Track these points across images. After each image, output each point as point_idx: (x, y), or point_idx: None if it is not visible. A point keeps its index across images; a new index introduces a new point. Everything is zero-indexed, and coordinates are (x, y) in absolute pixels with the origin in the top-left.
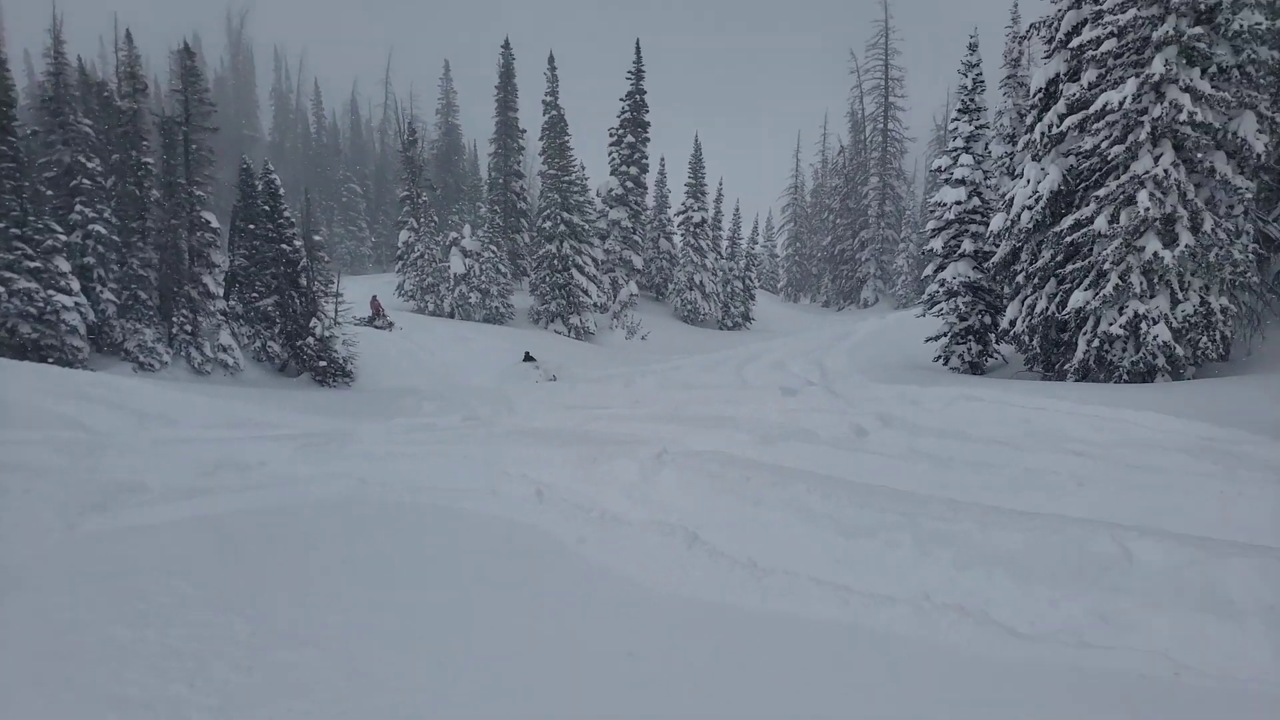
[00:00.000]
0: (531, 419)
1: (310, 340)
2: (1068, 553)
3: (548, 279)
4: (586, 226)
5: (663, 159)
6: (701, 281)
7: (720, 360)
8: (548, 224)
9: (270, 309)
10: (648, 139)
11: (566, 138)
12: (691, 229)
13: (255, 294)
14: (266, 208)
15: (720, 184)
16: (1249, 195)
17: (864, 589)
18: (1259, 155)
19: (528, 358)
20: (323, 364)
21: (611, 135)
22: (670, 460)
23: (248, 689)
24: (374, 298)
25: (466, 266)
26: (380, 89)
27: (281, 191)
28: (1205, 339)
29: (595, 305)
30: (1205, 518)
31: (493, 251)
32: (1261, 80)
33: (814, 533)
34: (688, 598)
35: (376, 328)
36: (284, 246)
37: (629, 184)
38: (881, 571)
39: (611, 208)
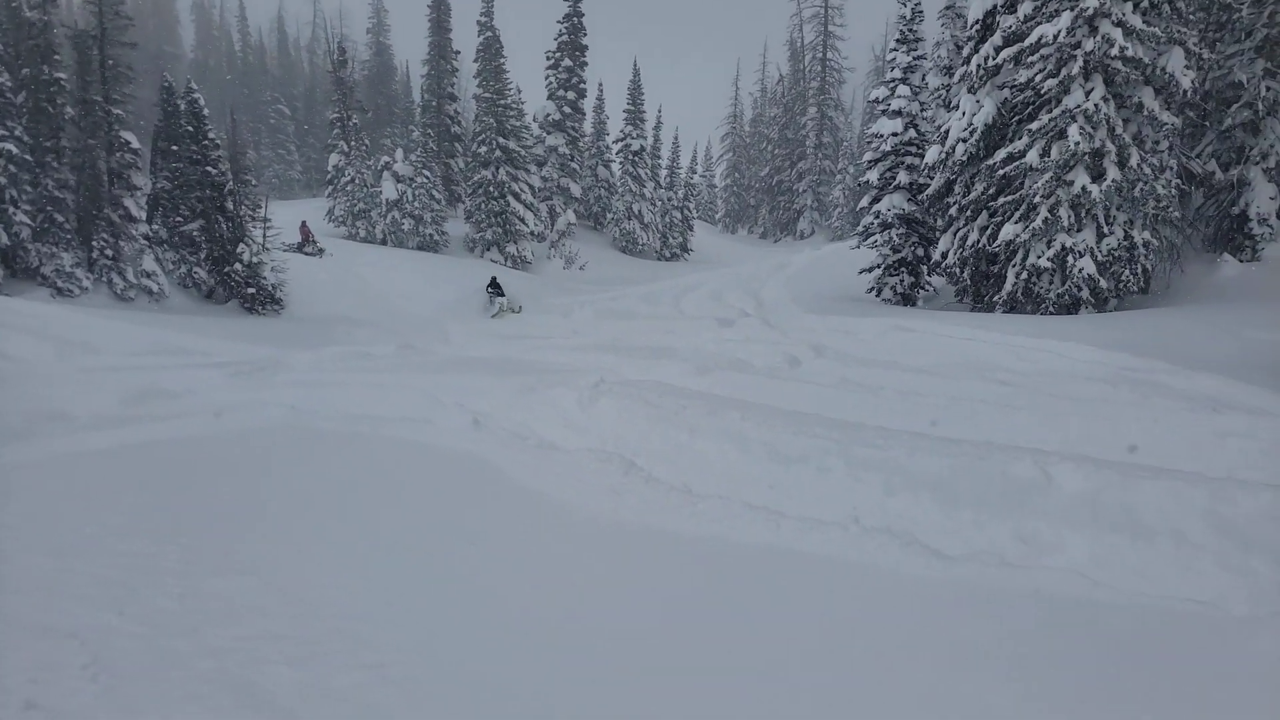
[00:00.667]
0: (468, 348)
1: (238, 267)
2: (991, 477)
3: (483, 206)
4: (523, 153)
5: (600, 85)
6: (640, 211)
7: (659, 291)
8: (483, 149)
9: (196, 234)
10: (586, 63)
11: (502, 60)
12: (630, 157)
13: (180, 218)
14: (190, 129)
15: (659, 112)
16: (1174, 131)
17: (796, 513)
18: (1185, 91)
19: (493, 286)
20: (251, 291)
21: (549, 59)
22: (608, 390)
23: (179, 616)
24: (303, 223)
25: (399, 192)
26: (308, 6)
27: (206, 112)
28: (1128, 272)
29: (532, 234)
30: (1123, 444)
31: (426, 177)
32: (1191, 15)
33: (748, 460)
34: (623, 522)
35: (306, 254)
36: (209, 169)
37: (566, 109)
38: (814, 496)
39: (549, 134)
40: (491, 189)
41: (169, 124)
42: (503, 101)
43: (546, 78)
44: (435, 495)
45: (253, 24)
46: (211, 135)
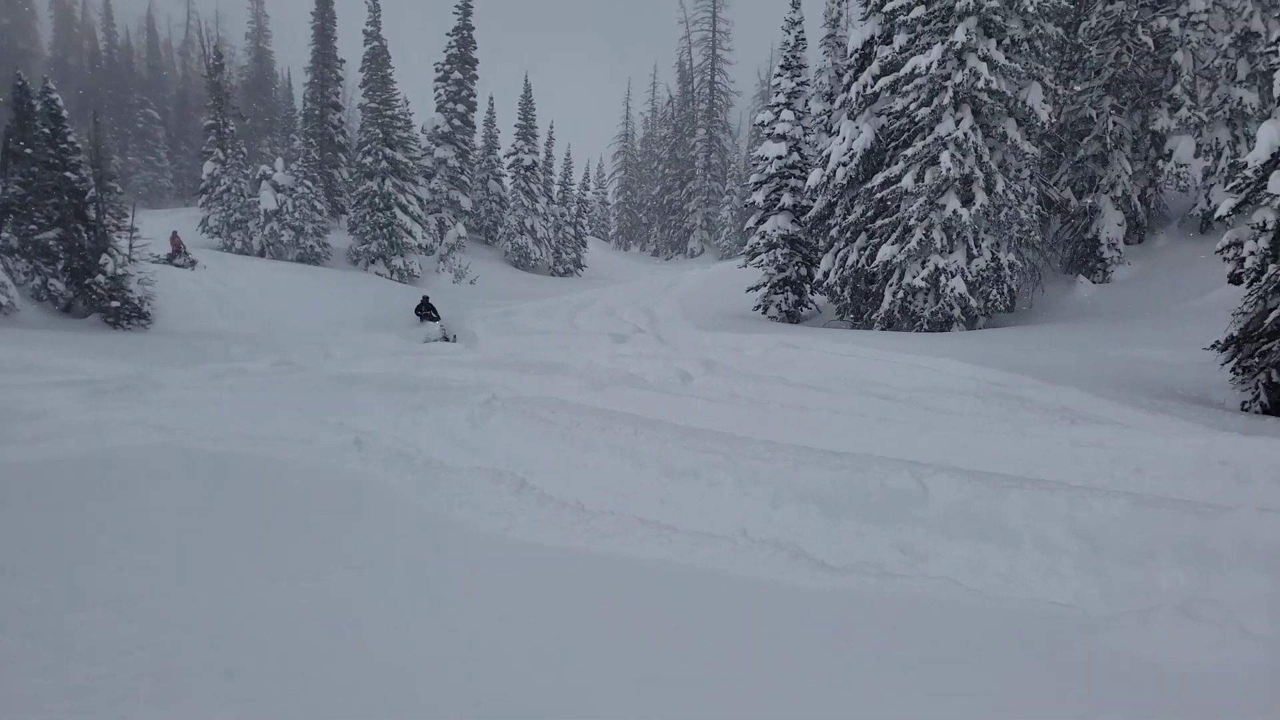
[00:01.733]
0: (352, 364)
1: (100, 279)
2: (872, 489)
3: (368, 218)
4: (411, 164)
5: (491, 99)
6: (533, 226)
7: (553, 306)
8: (368, 159)
9: (52, 243)
10: (476, 76)
11: (389, 70)
12: (522, 172)
13: (34, 226)
14: (47, 130)
15: (551, 128)
16: (1035, 160)
17: (687, 527)
18: (1044, 124)
19: (425, 307)
20: (115, 304)
21: (438, 70)
22: (500, 406)
23: (32, 655)
24: (174, 233)
25: (279, 202)
26: (181, 6)
27: (65, 114)
28: (995, 292)
29: (420, 247)
30: (992, 455)
31: (308, 187)
32: (1047, 54)
33: (641, 475)
34: (515, 540)
35: (177, 266)
36: (68, 174)
37: (456, 122)
38: (704, 510)
39: (438, 145)
40: (377, 200)
41: (22, 125)
42: (390, 112)
43: (435, 90)
44: (315, 518)
45: (119, 22)
46: (71, 138)
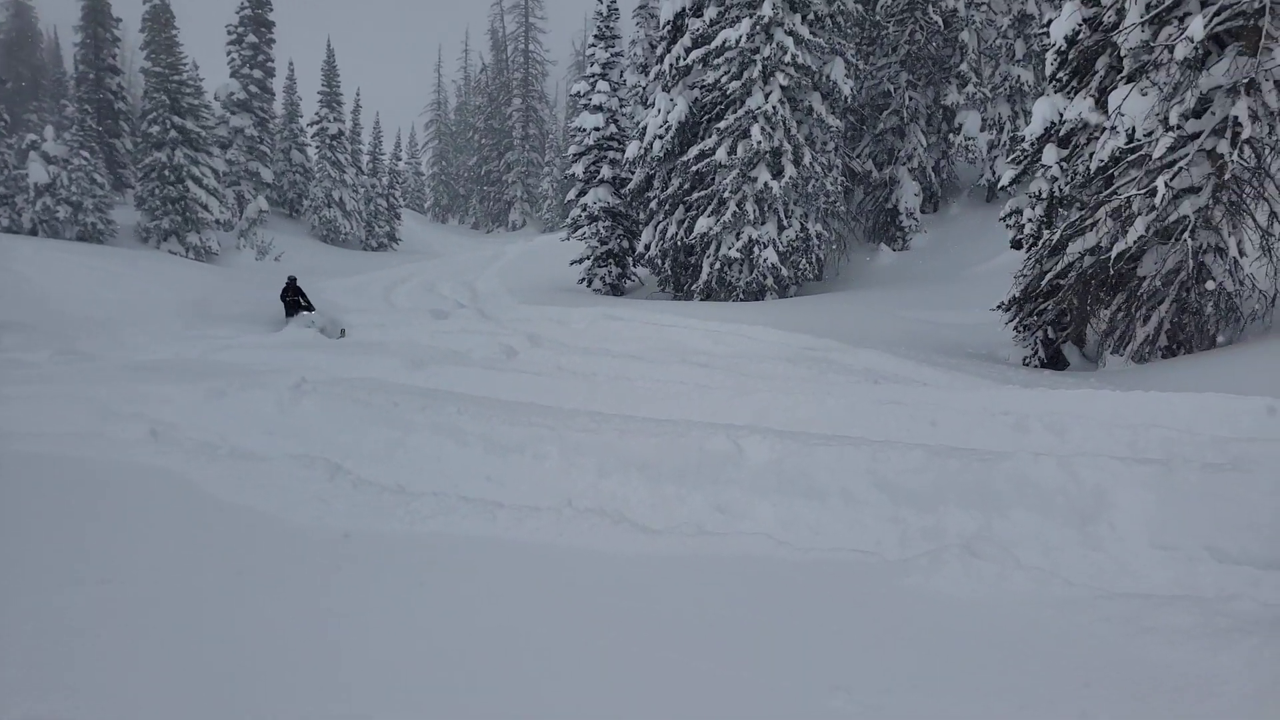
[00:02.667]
0: (147, 351)
1: None
2: (690, 453)
3: (158, 191)
4: (204, 134)
5: (291, 63)
6: (341, 198)
7: (366, 283)
8: (155, 129)
9: None
10: (273, 40)
11: (174, 31)
12: (328, 141)
13: None
14: None
15: (358, 95)
16: (839, 133)
17: (513, 502)
18: (846, 98)
19: (293, 293)
20: None
21: (230, 33)
22: (311, 389)
23: None
24: None
25: (51, 175)
26: None
27: None
28: (805, 261)
29: (218, 222)
30: (802, 415)
31: (85, 158)
32: (848, 30)
33: (465, 453)
34: (329, 528)
35: None
36: None
37: (253, 88)
38: (531, 484)
39: (233, 114)
40: (167, 173)
41: None
42: (177, 77)
43: (229, 54)
44: (106, 516)
45: None
46: None
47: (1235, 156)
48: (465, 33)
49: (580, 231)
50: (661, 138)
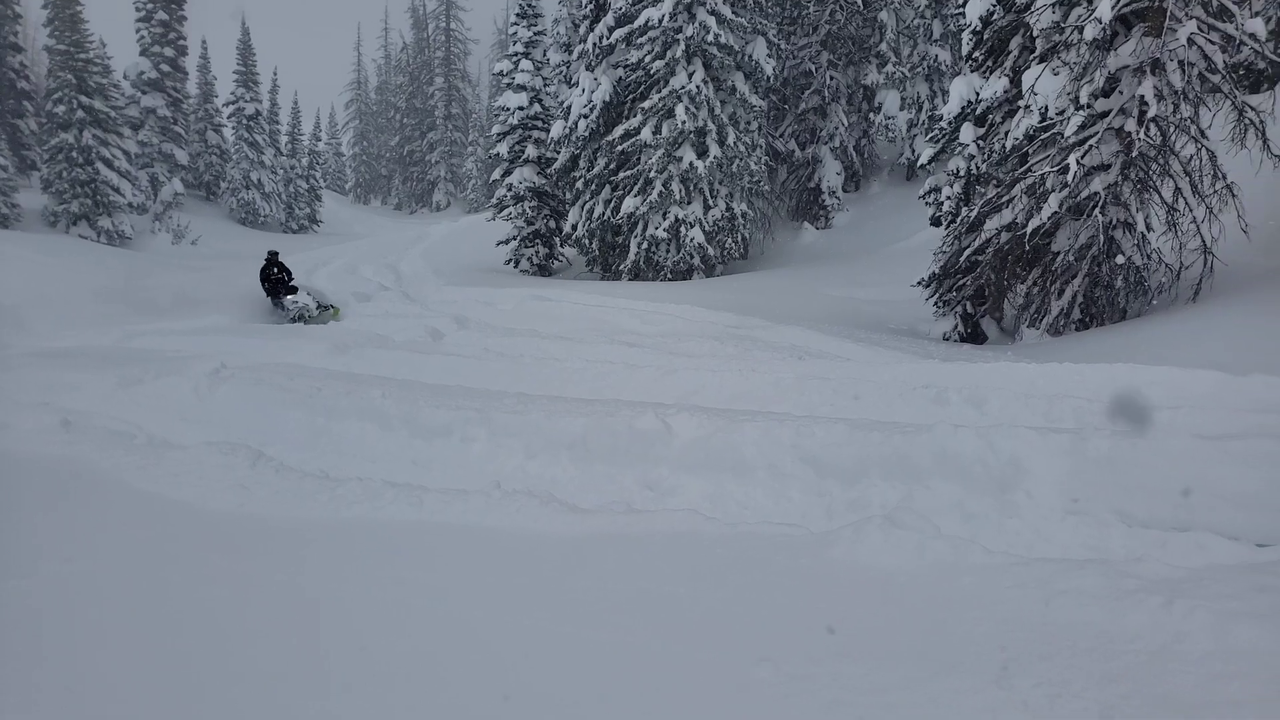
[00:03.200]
0: (54, 339)
1: None
2: (620, 432)
3: (65, 174)
4: (114, 114)
5: (204, 42)
6: (260, 180)
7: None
8: (61, 109)
9: None
10: (184, 17)
11: (80, 7)
12: (245, 122)
13: None
14: None
15: (275, 74)
16: (762, 113)
17: (441, 486)
18: (769, 77)
19: (274, 269)
20: None
21: (139, 10)
22: (230, 375)
23: None
24: None
25: None
26: None
27: None
28: (731, 240)
29: (131, 205)
30: (730, 392)
31: None
32: (770, 9)
33: (390, 437)
34: (250, 515)
35: None
36: None
37: (165, 67)
38: (458, 467)
39: (144, 93)
40: (75, 154)
41: None
42: (83, 55)
43: (138, 31)
44: (8, 511)
45: None
46: None
47: (1142, 135)
48: (385, 10)
49: (506, 212)
50: (586, 117)
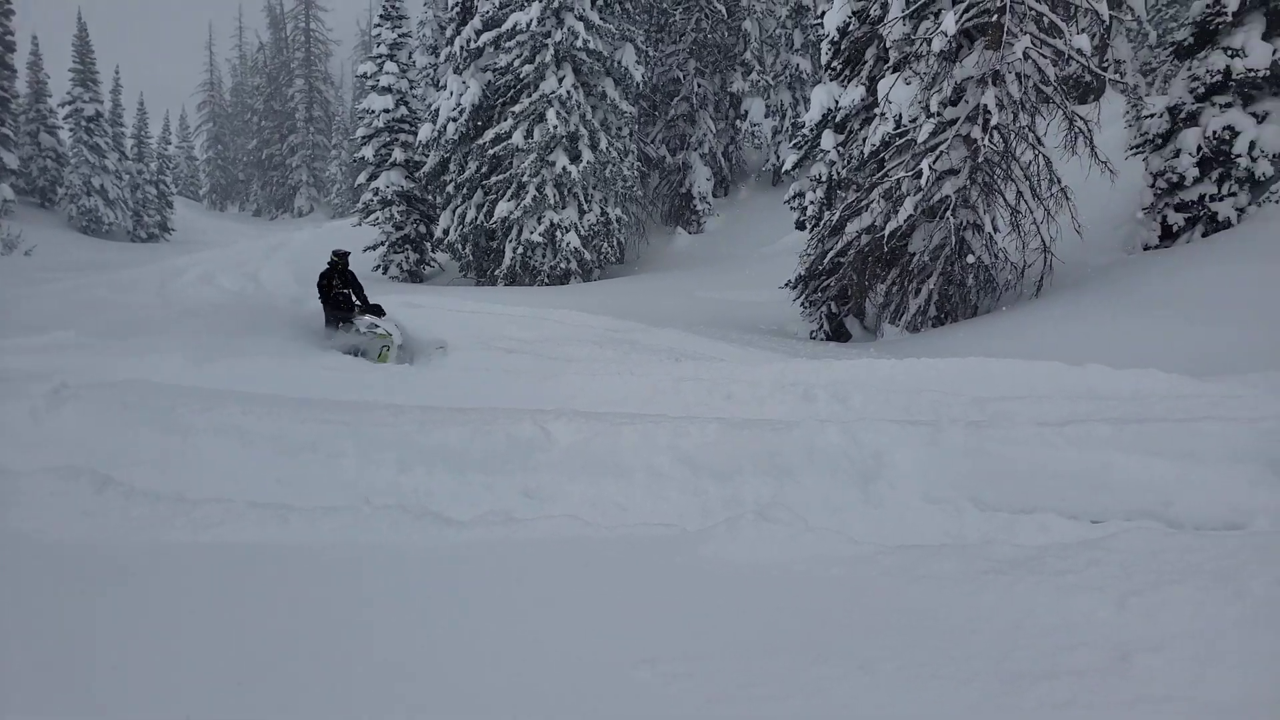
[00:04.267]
0: None
1: None
2: (498, 440)
3: None
4: None
5: (35, 38)
6: (103, 186)
7: (135, 278)
8: None
9: None
10: (12, 10)
11: None
12: (84, 124)
13: None
14: None
15: (117, 73)
16: (632, 119)
17: (307, 504)
18: (638, 84)
19: (338, 282)
20: None
21: None
22: (73, 394)
23: None
24: None
25: None
26: None
27: None
28: (606, 245)
29: None
30: (609, 395)
31: None
32: (637, 16)
33: (252, 455)
34: (96, 545)
35: None
36: None
37: None
38: (326, 484)
39: None
40: None
41: None
42: None
43: None
44: None
45: None
46: None
47: (986, 141)
48: (239, 8)
49: (373, 216)
50: (455, 120)
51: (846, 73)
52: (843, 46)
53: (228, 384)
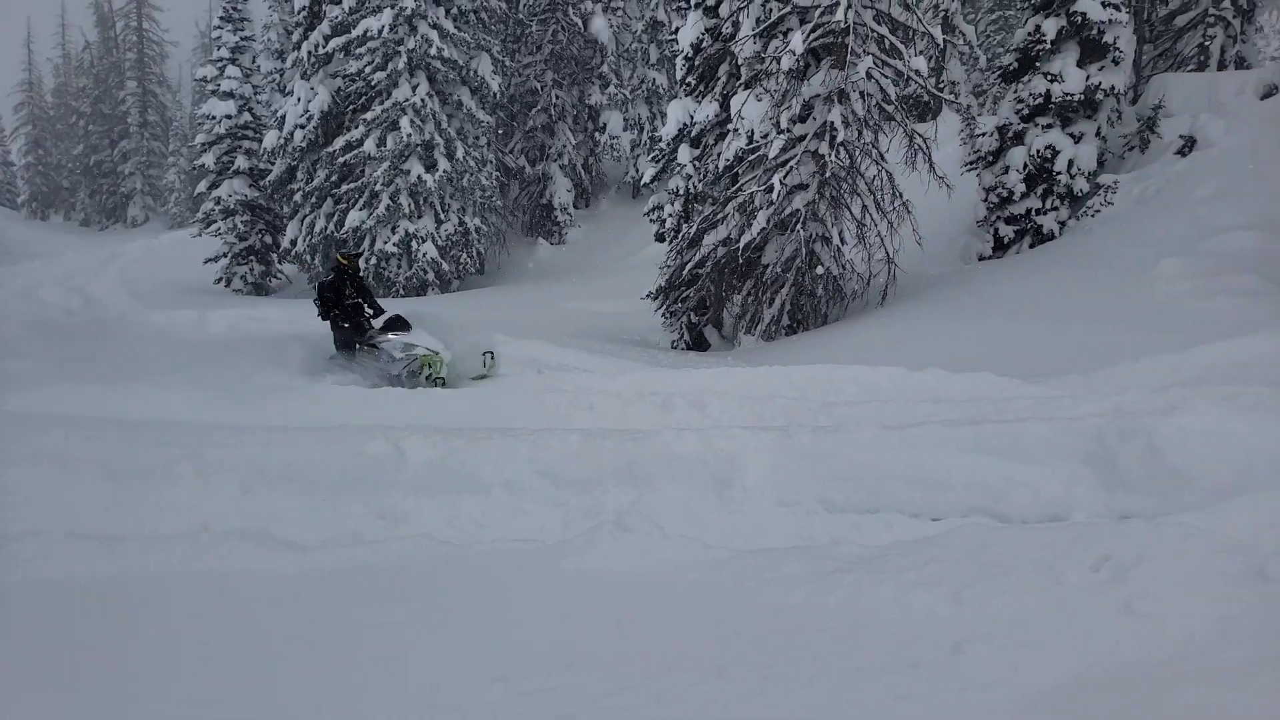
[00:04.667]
0: None
1: None
2: (348, 459)
3: None
4: None
5: None
6: None
7: None
8: None
9: None
10: None
11: None
12: None
13: None
14: None
15: None
16: (490, 129)
17: (140, 533)
18: (495, 93)
19: (352, 294)
20: None
21: None
22: None
23: None
24: None
25: None
26: None
27: None
28: (465, 255)
29: None
30: (468, 410)
31: None
32: (493, 26)
33: (77, 483)
34: None
35: None
36: None
37: None
38: (161, 510)
39: None
40: None
41: None
42: None
43: None
44: None
45: None
46: None
47: (833, 157)
48: (61, 5)
49: (215, 227)
50: (303, 127)
51: (701, 88)
52: (697, 63)
53: (44, 407)
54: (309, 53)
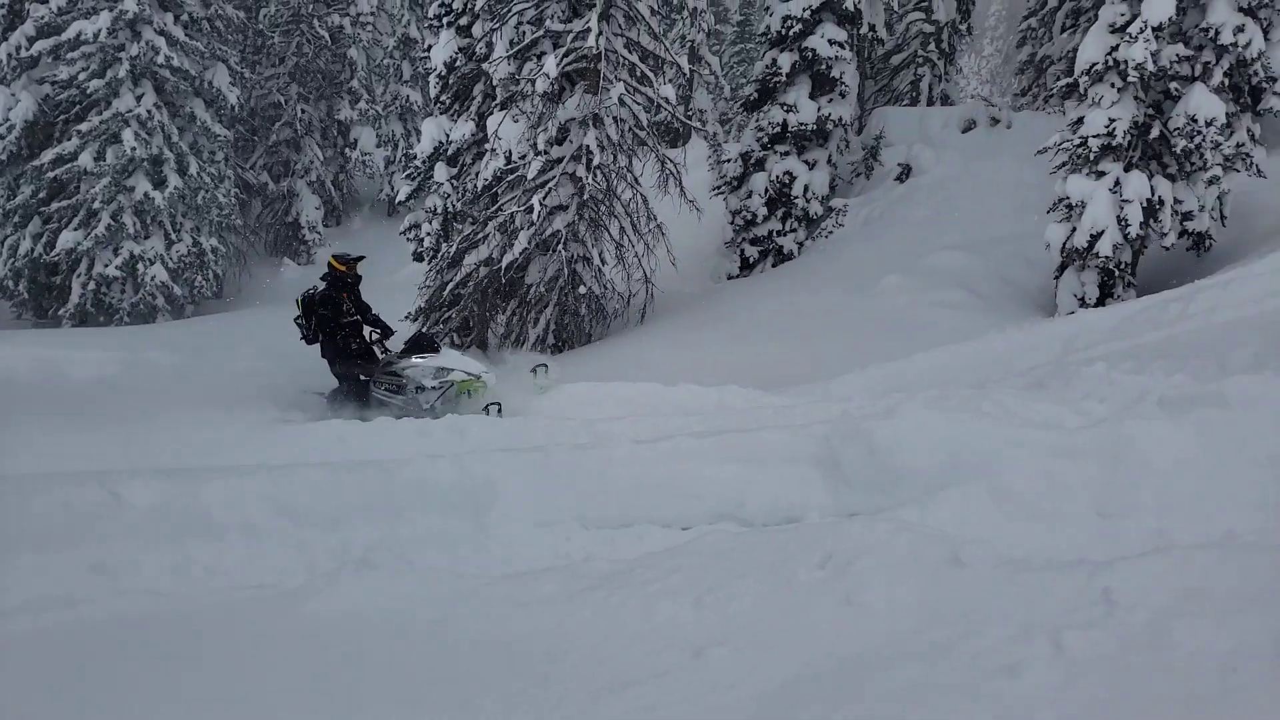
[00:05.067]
0: None
1: None
2: (56, 511)
3: None
4: None
5: None
6: None
7: None
8: None
9: None
10: None
11: None
12: None
13: None
14: None
15: None
16: (229, 143)
17: None
18: (234, 106)
19: (352, 311)
20: None
21: None
22: None
23: None
24: None
25: None
26: None
27: None
28: (200, 278)
29: None
30: (198, 449)
31: None
32: (230, 36)
33: None
34: None
35: None
36: None
37: None
38: None
39: None
40: None
41: None
42: None
43: None
44: None
45: None
46: None
47: (590, 180)
48: None
49: None
50: (4, 138)
51: (457, 107)
52: (451, 81)
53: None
54: (9, 55)
